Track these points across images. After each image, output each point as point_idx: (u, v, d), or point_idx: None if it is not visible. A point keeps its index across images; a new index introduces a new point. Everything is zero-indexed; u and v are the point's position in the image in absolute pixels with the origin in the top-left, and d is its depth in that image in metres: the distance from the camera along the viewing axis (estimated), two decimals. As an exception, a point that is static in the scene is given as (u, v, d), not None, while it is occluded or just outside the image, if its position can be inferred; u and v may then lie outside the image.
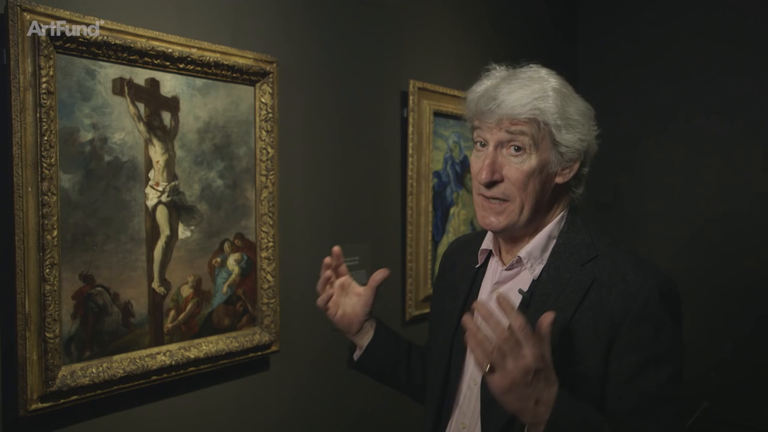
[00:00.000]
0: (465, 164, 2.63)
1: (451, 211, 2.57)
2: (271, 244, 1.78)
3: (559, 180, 1.13)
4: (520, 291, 1.13)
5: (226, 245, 1.70)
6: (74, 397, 1.38)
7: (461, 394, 1.18)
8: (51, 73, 1.30)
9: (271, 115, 1.76)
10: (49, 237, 1.31)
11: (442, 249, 2.51)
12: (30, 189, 1.28)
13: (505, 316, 0.95)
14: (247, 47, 1.72)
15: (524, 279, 1.15)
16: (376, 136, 2.23)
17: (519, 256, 1.14)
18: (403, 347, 1.35)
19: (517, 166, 1.09)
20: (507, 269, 1.17)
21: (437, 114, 2.42)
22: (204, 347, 1.63)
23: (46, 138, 1.29)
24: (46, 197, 1.30)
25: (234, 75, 1.67)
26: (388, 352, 1.32)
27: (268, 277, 1.78)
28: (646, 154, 3.36)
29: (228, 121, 1.68)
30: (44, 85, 1.29)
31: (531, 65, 1.15)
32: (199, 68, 1.59)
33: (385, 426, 2.30)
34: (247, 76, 1.71)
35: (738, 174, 3.11)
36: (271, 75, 1.75)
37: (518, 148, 1.09)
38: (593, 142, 1.13)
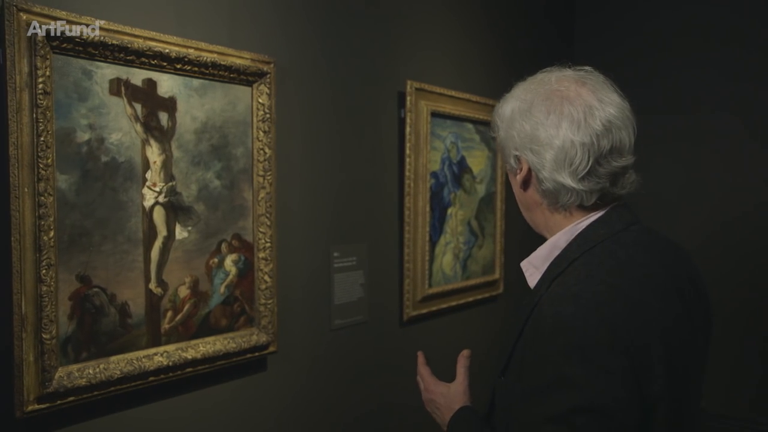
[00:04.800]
0: (462, 165, 2.63)
1: (449, 211, 2.57)
2: (268, 244, 1.78)
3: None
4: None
5: (224, 246, 1.69)
6: (71, 399, 1.37)
7: None
8: (47, 73, 1.30)
9: (268, 115, 1.76)
10: (45, 238, 1.31)
11: (439, 249, 2.51)
12: (26, 190, 1.28)
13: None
14: (244, 48, 1.72)
15: None
16: (374, 137, 2.23)
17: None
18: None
19: None
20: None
21: (435, 114, 2.42)
22: (201, 348, 1.63)
23: (42, 138, 1.29)
24: (42, 198, 1.30)
25: (231, 75, 1.67)
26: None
27: (266, 277, 1.78)
28: (646, 152, 3.35)
29: (225, 121, 1.68)
30: (41, 86, 1.28)
31: (545, 70, 1.16)
32: (196, 69, 1.58)
33: (383, 428, 2.30)
34: (245, 77, 1.70)
35: (743, 172, 3.10)
36: (268, 75, 1.75)
37: None
38: (540, 149, 1.05)
